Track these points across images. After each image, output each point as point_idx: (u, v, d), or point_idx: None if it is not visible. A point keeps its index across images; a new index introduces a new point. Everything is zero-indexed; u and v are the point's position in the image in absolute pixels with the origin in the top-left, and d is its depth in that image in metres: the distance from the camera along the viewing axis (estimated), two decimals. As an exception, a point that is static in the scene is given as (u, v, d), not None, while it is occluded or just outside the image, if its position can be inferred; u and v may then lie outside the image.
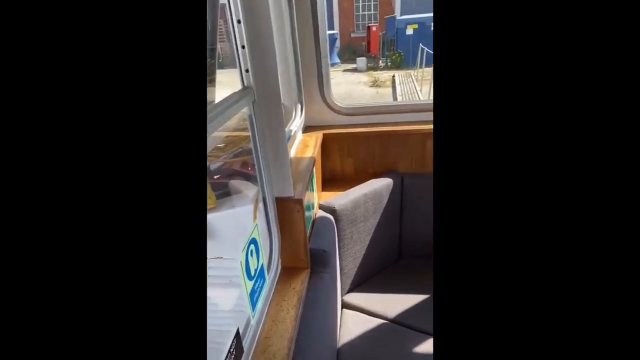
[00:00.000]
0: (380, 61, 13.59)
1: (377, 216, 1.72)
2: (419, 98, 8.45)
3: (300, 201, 1.14)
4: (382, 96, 9.84)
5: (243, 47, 0.89)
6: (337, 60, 14.66)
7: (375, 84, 11.22)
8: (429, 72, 9.54)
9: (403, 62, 12.90)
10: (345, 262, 1.66)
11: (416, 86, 9.85)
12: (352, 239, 1.65)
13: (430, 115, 1.77)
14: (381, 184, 1.71)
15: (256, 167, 1.05)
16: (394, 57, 13.22)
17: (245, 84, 0.94)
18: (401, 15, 14.44)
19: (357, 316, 1.62)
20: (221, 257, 1.13)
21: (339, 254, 1.61)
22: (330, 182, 1.89)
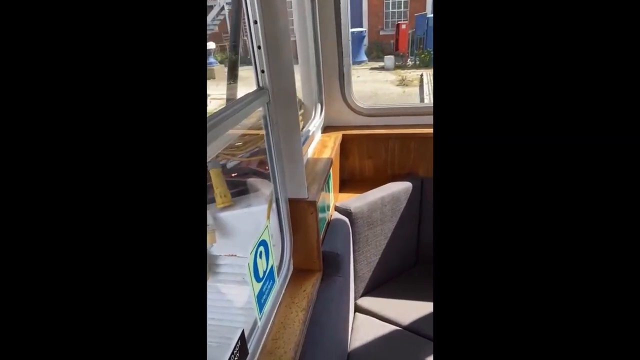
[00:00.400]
0: (409, 60, 13.33)
1: (394, 220, 1.69)
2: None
3: (314, 203, 1.12)
4: (409, 95, 9.65)
5: (259, 47, 0.89)
6: (365, 58, 14.47)
7: (402, 82, 11.02)
8: (458, 71, 9.25)
9: (432, 61, 12.59)
10: (360, 265, 1.64)
11: (444, 86, 9.56)
12: (367, 242, 1.62)
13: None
14: (400, 188, 1.67)
15: (270, 167, 1.04)
16: (422, 55, 12.93)
17: (261, 85, 0.94)
18: (432, 12, 14.09)
19: (370, 321, 1.60)
20: (235, 255, 1.14)
21: (354, 257, 1.59)
22: (348, 183, 1.87)
